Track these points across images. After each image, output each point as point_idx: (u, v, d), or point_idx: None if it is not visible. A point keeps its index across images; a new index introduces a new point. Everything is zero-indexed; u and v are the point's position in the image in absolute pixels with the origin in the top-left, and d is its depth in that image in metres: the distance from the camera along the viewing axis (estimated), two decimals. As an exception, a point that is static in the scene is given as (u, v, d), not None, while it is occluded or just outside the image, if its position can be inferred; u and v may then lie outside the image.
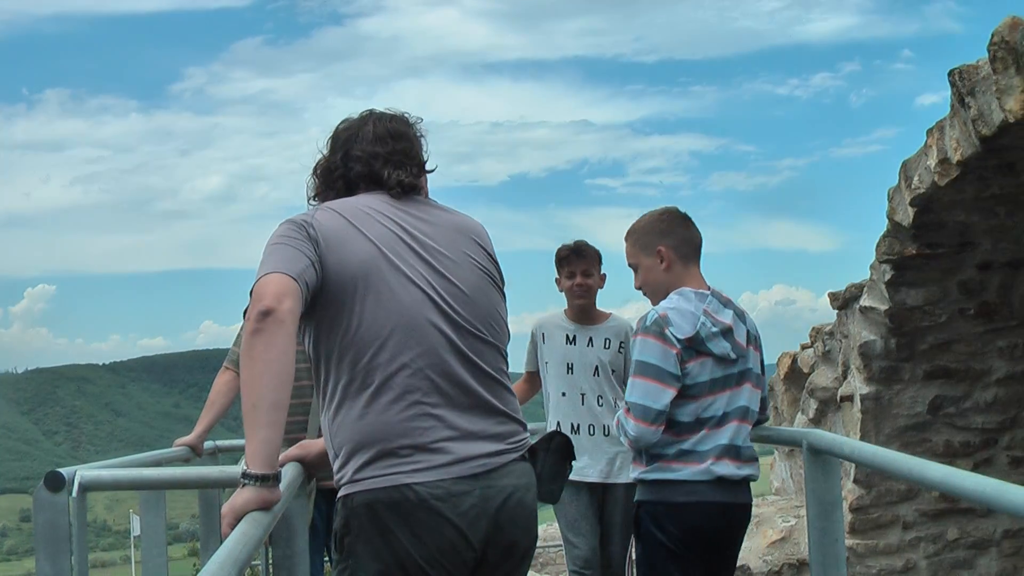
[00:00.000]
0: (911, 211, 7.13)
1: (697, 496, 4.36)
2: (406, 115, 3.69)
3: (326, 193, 3.59)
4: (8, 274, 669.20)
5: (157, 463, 5.52)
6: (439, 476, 3.21)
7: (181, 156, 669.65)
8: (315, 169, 3.64)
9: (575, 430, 6.26)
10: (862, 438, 7.95)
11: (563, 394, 6.34)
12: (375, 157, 3.52)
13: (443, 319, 3.32)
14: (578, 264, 6.35)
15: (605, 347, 6.35)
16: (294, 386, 3.06)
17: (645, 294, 4.84)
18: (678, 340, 4.46)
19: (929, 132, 6.84)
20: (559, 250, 6.47)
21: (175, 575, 6.24)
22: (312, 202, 3.61)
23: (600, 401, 6.29)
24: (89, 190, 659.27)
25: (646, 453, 4.54)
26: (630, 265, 4.87)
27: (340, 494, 3.33)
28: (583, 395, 6.31)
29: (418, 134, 3.67)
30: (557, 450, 3.71)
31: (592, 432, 6.29)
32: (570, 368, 6.36)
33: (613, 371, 6.32)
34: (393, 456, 3.22)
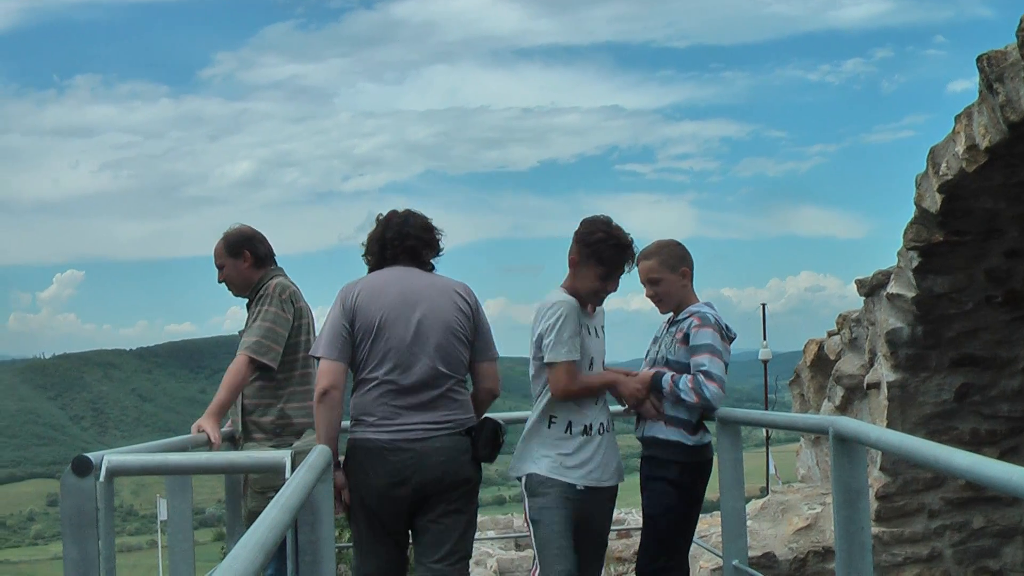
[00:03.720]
0: (938, 198, 7.10)
1: None
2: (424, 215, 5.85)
3: (381, 253, 5.75)
4: (37, 260, 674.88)
5: (183, 448, 5.54)
6: (391, 436, 5.44)
7: (210, 141, 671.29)
8: (372, 236, 5.79)
9: (587, 431, 5.77)
10: (888, 426, 7.93)
11: None
12: (419, 240, 5.74)
13: (416, 357, 5.52)
14: (618, 274, 5.87)
15: (601, 336, 6.03)
16: None
17: (658, 302, 6.09)
18: (729, 337, 5.94)
19: (957, 118, 6.80)
20: (613, 245, 5.81)
21: (202, 560, 6.26)
22: (366, 258, 5.84)
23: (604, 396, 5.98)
24: (118, 176, 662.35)
25: (696, 419, 5.87)
26: (651, 279, 6.01)
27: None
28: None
29: (435, 227, 5.85)
30: (491, 428, 5.68)
31: (602, 431, 5.81)
32: (592, 364, 5.86)
33: None
34: (367, 424, 5.51)
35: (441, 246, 5.87)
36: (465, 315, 5.68)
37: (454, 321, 5.63)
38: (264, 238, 6.60)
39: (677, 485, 5.82)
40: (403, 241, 5.71)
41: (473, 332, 5.72)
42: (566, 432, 5.75)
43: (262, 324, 6.19)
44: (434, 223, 5.86)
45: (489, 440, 5.66)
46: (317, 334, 5.86)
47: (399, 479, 5.43)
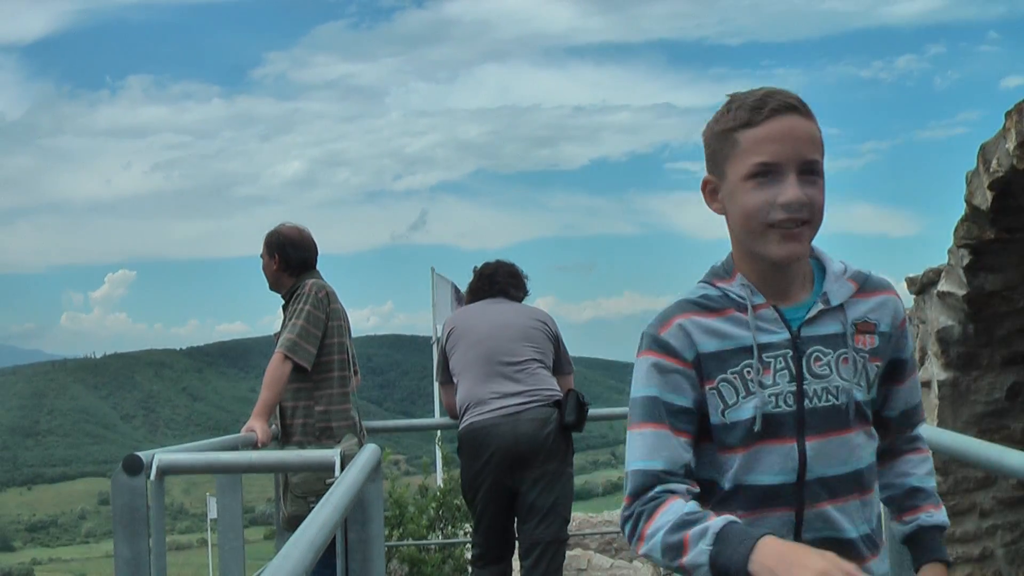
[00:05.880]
0: (989, 195, 7.05)
1: None
2: (514, 265, 6.88)
3: (477, 294, 6.74)
4: (89, 260, 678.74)
5: (233, 447, 5.57)
6: (486, 417, 6.24)
7: (262, 141, 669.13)
8: (470, 285, 6.84)
9: None
10: (939, 425, 7.88)
11: None
12: (507, 283, 6.72)
13: (491, 358, 6.40)
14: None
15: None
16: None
17: (803, 224, 2.48)
18: None
19: (1008, 115, 6.75)
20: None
21: (252, 558, 6.30)
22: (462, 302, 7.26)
23: None
24: (170, 176, 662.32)
25: None
26: (816, 163, 2.56)
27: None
28: None
29: (523, 275, 6.84)
30: (575, 399, 6.34)
31: None
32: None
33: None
34: (470, 411, 6.32)
35: (528, 289, 6.90)
36: (541, 322, 6.64)
37: (530, 322, 6.58)
38: (305, 245, 6.63)
39: None
40: (492, 285, 6.73)
41: (554, 341, 6.64)
42: None
43: (296, 323, 6.21)
44: (519, 270, 6.90)
45: (576, 410, 6.32)
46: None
47: (494, 454, 6.22)
